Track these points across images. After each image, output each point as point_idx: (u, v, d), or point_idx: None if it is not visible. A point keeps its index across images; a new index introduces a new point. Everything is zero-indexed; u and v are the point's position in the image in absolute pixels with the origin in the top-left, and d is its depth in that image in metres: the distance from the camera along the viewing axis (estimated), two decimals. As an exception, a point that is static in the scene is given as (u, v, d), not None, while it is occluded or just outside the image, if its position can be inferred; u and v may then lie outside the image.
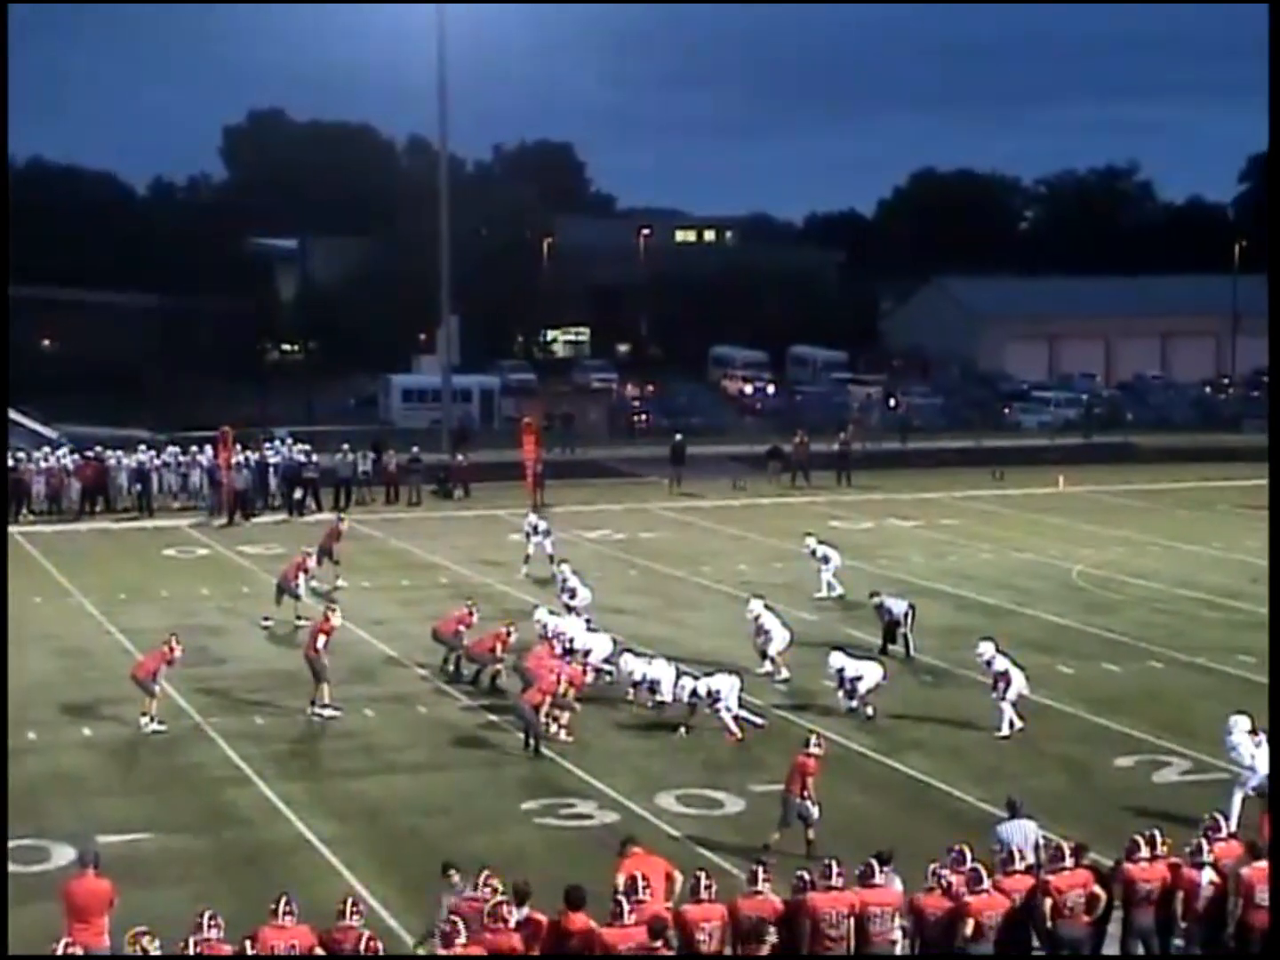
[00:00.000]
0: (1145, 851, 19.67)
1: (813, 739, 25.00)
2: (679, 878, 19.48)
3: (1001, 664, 30.92)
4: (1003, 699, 30.63)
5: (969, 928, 18.63)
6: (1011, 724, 30.56)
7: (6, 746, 28.65)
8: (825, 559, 43.21)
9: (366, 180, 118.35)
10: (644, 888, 18.38)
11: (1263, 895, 19.43)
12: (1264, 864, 19.61)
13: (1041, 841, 21.15)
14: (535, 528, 46.62)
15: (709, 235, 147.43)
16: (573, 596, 37.89)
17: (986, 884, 18.89)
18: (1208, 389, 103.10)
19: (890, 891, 18.93)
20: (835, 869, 18.75)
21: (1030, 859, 20.25)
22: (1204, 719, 31.25)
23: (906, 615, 36.55)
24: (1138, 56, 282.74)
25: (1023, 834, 21.30)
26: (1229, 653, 36.84)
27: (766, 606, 35.36)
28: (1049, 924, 19.03)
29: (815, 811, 24.27)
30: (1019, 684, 30.83)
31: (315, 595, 40.14)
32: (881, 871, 19.04)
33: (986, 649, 31.34)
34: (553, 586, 40.31)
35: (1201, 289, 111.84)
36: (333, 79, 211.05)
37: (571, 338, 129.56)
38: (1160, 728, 31.06)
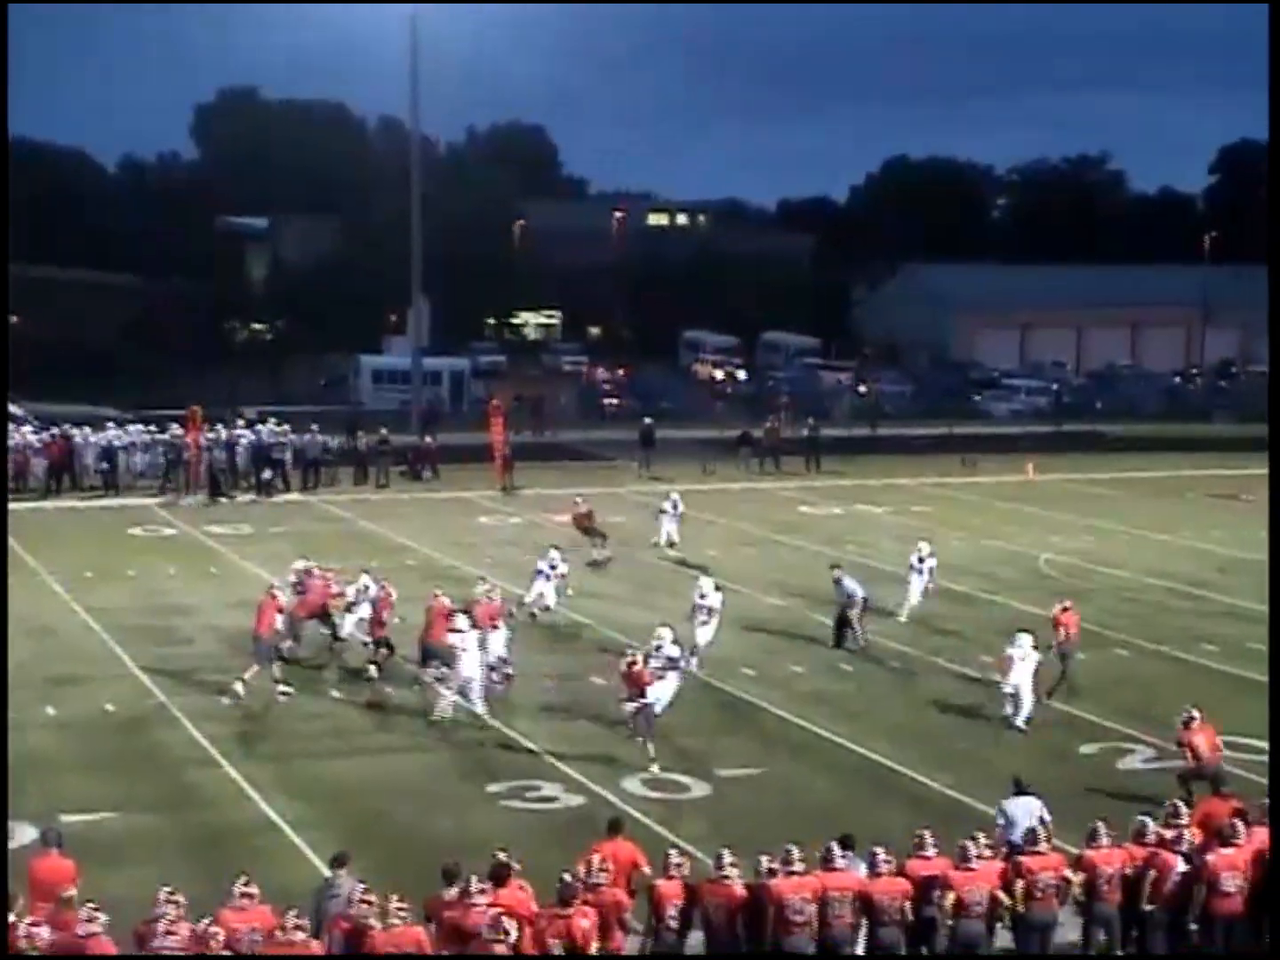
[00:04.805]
0: (1105, 839, 19.79)
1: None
2: (648, 870, 19.48)
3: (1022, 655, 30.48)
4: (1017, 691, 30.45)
5: (949, 900, 18.79)
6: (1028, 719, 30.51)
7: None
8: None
9: (338, 161, 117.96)
10: (600, 871, 18.48)
11: (1228, 882, 19.51)
12: (1229, 850, 19.70)
13: (1047, 819, 21.16)
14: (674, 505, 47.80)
15: (682, 219, 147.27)
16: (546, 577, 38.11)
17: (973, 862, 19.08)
18: (1177, 379, 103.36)
19: (850, 876, 18.98)
20: (796, 854, 18.80)
21: (1036, 834, 20.31)
22: (1169, 707, 31.31)
23: (865, 601, 36.26)
24: (1111, 48, 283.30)
25: (1026, 811, 21.40)
26: (1195, 641, 36.98)
27: (716, 588, 34.97)
28: (1021, 906, 19.18)
29: None
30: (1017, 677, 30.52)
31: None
32: (843, 856, 19.09)
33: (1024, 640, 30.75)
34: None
35: (1171, 279, 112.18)
36: (305, 59, 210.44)
37: (543, 320, 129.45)
38: (1126, 715, 31.14)
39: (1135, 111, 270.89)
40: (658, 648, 29.45)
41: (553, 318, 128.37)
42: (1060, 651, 32.33)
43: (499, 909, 17.69)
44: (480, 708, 30.10)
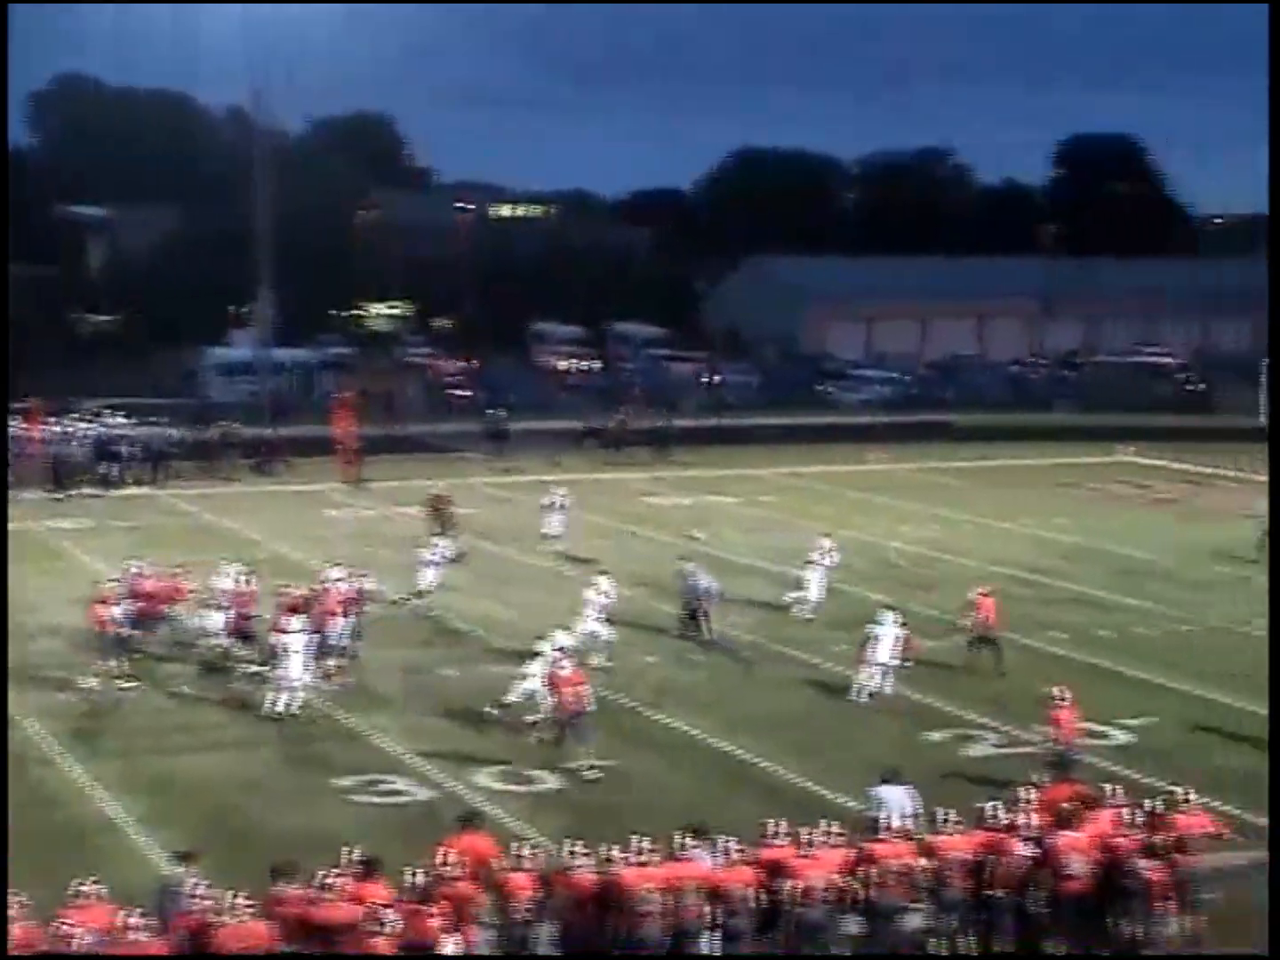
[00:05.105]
0: (952, 825, 19.97)
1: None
2: (503, 864, 19.40)
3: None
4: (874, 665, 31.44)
5: (787, 887, 18.84)
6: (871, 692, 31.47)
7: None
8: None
9: (181, 149, 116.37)
10: (453, 865, 18.42)
11: (1073, 864, 19.72)
12: (1074, 834, 19.93)
13: (918, 810, 21.29)
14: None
15: (529, 211, 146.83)
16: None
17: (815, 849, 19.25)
18: (1020, 368, 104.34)
19: (699, 866, 19.00)
20: (645, 845, 18.80)
21: (896, 824, 20.53)
22: (1015, 694, 31.70)
23: (716, 593, 36.32)
24: (953, 39, 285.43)
25: (896, 798, 21.65)
26: (1040, 629, 37.36)
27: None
28: (869, 893, 19.31)
29: None
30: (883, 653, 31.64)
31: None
32: (693, 846, 19.12)
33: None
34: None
35: (1014, 271, 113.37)
36: (147, 46, 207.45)
37: (391, 312, 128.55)
38: (973, 702, 31.42)
39: (980, 105, 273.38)
40: (560, 648, 29.43)
41: (401, 310, 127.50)
42: (980, 635, 33.40)
43: (377, 902, 17.65)
44: (296, 705, 29.88)
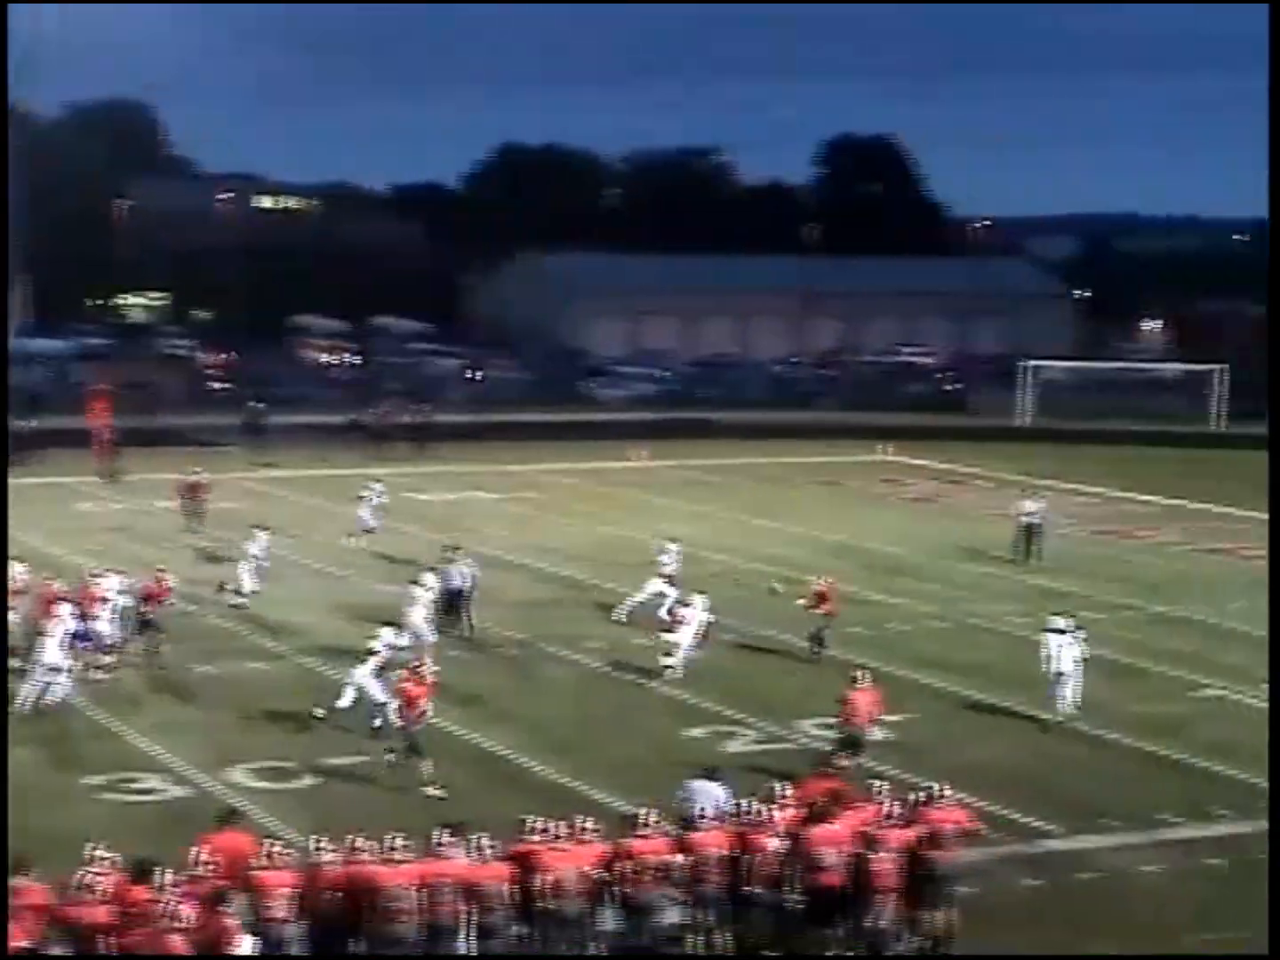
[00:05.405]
0: (708, 821, 20.04)
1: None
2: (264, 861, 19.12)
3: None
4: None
5: (538, 881, 18.88)
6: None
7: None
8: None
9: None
10: (205, 864, 18.14)
11: (828, 858, 19.86)
12: (831, 826, 20.08)
13: (733, 805, 21.30)
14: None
15: (292, 202, 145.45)
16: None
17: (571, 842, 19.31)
18: (783, 367, 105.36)
19: (454, 863, 18.88)
20: (399, 841, 18.66)
21: (709, 817, 20.55)
22: (775, 692, 31.97)
23: (472, 589, 36.17)
24: (719, 38, 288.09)
25: (710, 794, 21.73)
26: (798, 625, 37.54)
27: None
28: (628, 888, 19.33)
29: None
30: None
31: None
32: (449, 842, 19.01)
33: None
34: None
35: (778, 269, 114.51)
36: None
37: (150, 303, 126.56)
38: (732, 699, 31.58)
39: (744, 104, 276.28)
40: (387, 646, 29.38)
41: (161, 300, 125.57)
42: (820, 624, 34.52)
43: (175, 898, 17.39)
44: (58, 696, 29.26)
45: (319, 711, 29.19)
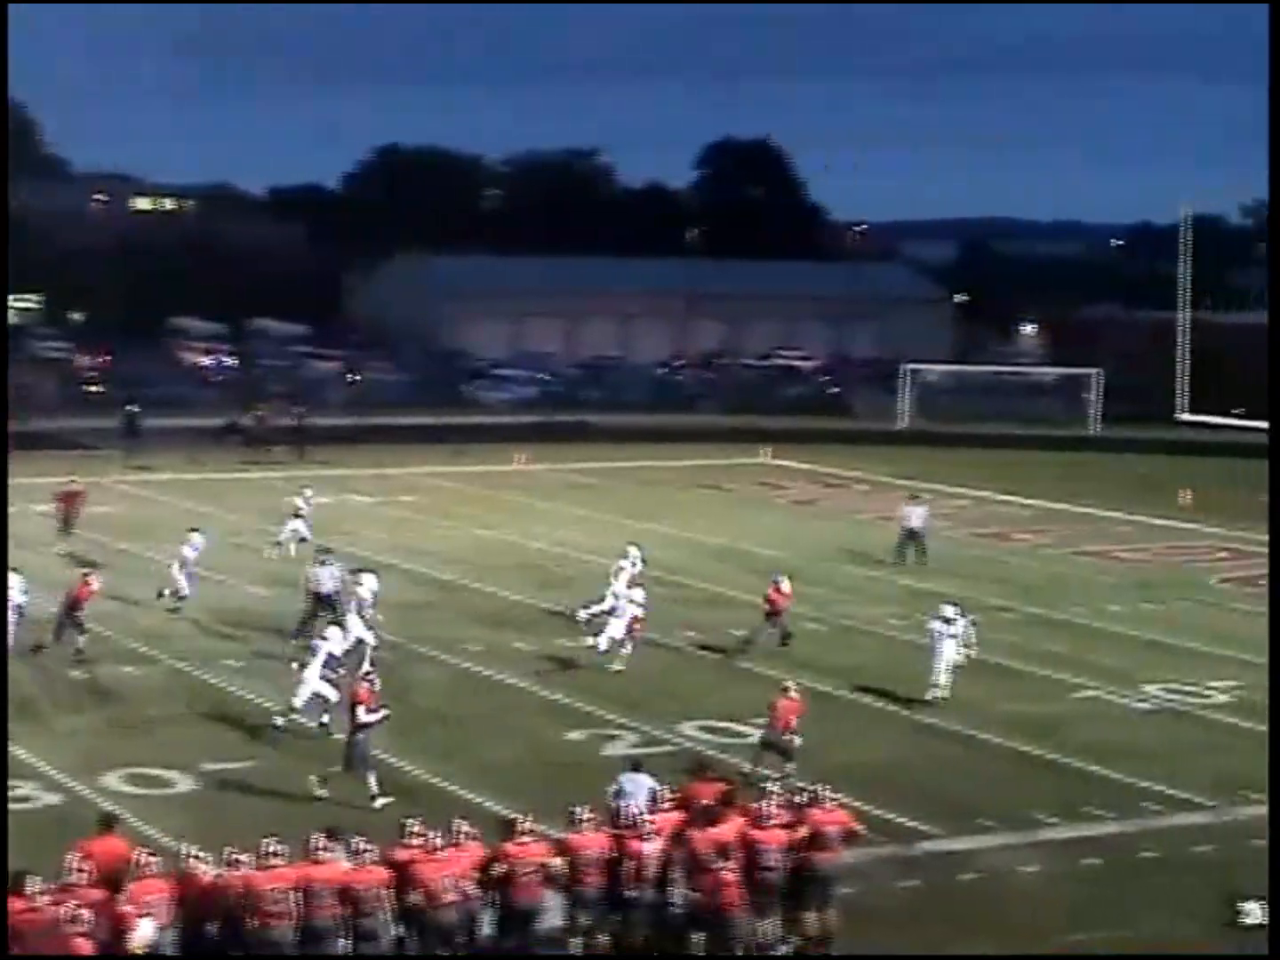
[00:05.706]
0: (588, 823, 19.95)
1: None
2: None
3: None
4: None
5: (417, 886, 18.78)
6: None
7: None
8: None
9: None
10: (78, 871, 17.87)
11: (712, 861, 19.82)
12: (714, 830, 20.05)
13: (660, 796, 21.28)
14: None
15: (169, 203, 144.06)
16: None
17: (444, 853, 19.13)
18: (664, 370, 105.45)
19: (333, 867, 18.70)
20: (274, 846, 18.47)
21: (636, 812, 20.55)
22: (653, 693, 31.95)
23: (335, 595, 35.66)
24: (600, 39, 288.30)
25: (643, 786, 21.89)
26: (677, 628, 37.55)
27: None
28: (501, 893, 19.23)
29: None
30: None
31: None
32: (326, 847, 18.84)
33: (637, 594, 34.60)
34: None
35: (659, 272, 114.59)
36: None
37: (22, 305, 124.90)
38: (612, 702, 31.51)
39: (625, 105, 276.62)
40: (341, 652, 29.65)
41: (33, 302, 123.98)
42: (773, 622, 35.44)
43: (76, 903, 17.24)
44: None
45: (279, 721, 28.88)
